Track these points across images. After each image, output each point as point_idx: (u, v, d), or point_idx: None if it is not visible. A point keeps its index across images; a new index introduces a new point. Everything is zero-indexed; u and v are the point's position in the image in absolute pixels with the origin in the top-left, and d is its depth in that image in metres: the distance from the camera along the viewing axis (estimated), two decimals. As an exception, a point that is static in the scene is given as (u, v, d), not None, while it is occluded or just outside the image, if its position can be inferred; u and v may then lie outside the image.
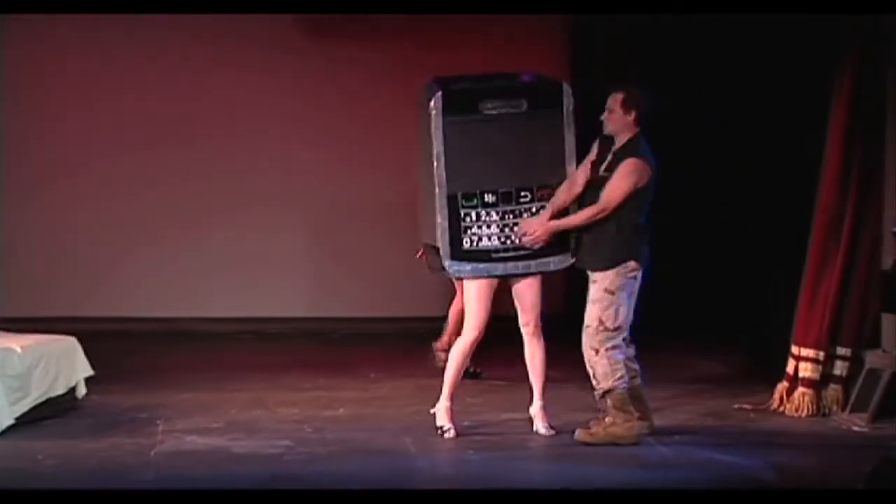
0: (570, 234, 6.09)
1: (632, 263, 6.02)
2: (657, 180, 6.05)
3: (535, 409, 6.18)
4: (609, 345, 6.00)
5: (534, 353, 6.15)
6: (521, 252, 6.07)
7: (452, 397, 6.13)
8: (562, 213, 6.11)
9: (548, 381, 6.19)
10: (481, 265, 6.06)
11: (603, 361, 6.00)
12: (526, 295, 6.12)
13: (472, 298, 6.11)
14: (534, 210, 6.07)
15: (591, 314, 6.02)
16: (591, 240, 6.05)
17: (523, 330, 6.17)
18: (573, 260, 6.12)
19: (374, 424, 6.37)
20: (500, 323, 6.24)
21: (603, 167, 6.09)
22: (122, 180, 9.30)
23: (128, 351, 8.31)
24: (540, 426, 6.15)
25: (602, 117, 6.09)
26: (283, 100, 9.43)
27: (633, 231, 6.02)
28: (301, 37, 9.14)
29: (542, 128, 6.07)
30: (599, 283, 6.01)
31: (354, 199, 9.49)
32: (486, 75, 6.24)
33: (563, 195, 6.11)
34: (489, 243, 6.06)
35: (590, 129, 6.21)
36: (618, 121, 6.04)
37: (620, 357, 6.02)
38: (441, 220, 6.03)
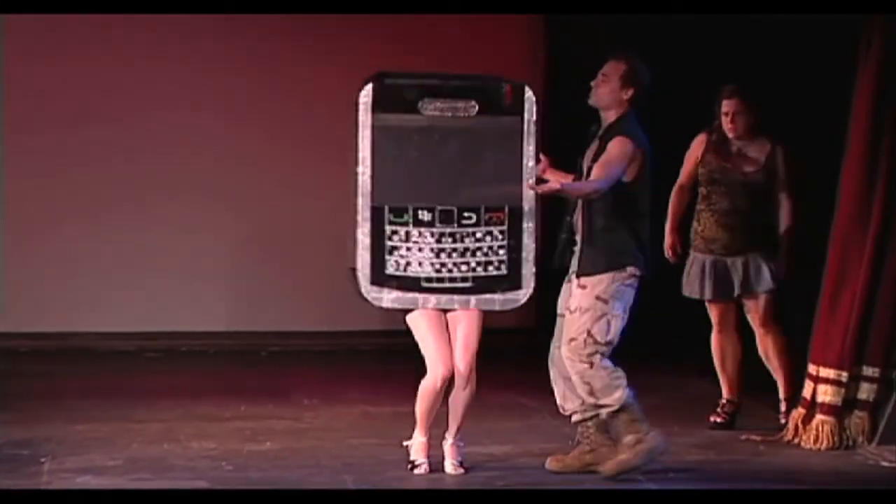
0: (527, 266, 5.94)
1: (630, 269, 5.95)
2: (653, 171, 5.97)
3: (446, 444, 6.07)
4: (599, 358, 5.93)
5: (458, 398, 6.01)
6: (460, 284, 5.93)
7: (428, 431, 6.05)
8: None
9: (466, 419, 6.07)
10: (408, 295, 5.92)
11: (601, 373, 5.92)
12: (462, 330, 5.97)
13: (423, 331, 5.96)
14: (478, 235, 5.94)
15: (578, 325, 5.93)
16: (591, 242, 5.95)
17: (455, 370, 5.99)
18: (524, 299, 5.98)
19: (308, 461, 6.29)
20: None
21: (589, 157, 6.00)
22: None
23: (8, 373, 8.21)
24: (447, 463, 6.03)
25: (592, 83, 6.00)
26: (208, 74, 9.38)
27: (630, 231, 5.96)
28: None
29: (496, 138, 5.95)
30: (590, 290, 5.93)
31: (286, 190, 9.44)
32: (437, 73, 6.12)
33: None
34: (419, 269, 5.91)
35: (564, 138, 6.10)
36: (611, 94, 5.96)
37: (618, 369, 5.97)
38: (362, 237, 5.90)
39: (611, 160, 5.87)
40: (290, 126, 9.44)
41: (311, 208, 9.36)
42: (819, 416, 6.64)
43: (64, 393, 7.73)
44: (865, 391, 6.63)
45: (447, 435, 6.05)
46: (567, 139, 6.24)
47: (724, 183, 6.97)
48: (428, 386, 5.96)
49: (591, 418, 6.04)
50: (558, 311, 6.10)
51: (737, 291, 6.97)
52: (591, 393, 5.93)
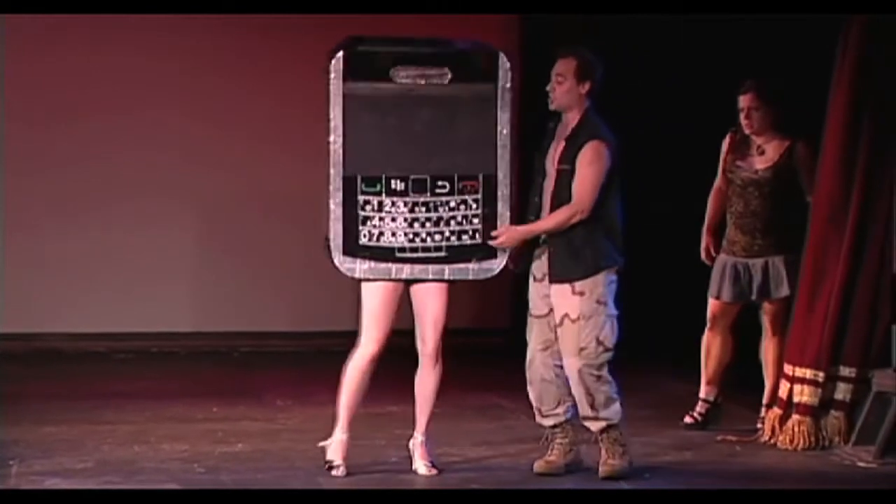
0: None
1: (616, 267, 5.99)
2: (620, 163, 5.98)
3: (415, 443, 6.07)
4: (606, 370, 5.97)
5: (426, 381, 6.01)
6: (434, 254, 5.92)
7: (350, 427, 6.01)
8: None
9: (435, 410, 6.07)
10: (381, 265, 5.90)
11: (604, 387, 5.96)
12: (429, 306, 5.96)
13: (372, 304, 5.93)
14: (452, 205, 5.94)
15: (585, 334, 5.93)
16: (563, 244, 5.94)
17: (421, 350, 6.02)
18: (499, 268, 5.99)
19: (281, 463, 6.31)
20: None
21: (555, 159, 6.00)
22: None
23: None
24: (420, 465, 6.04)
25: (548, 88, 6.00)
26: (173, 70, 9.33)
27: (609, 228, 5.97)
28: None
29: (469, 105, 5.94)
30: (589, 295, 5.93)
31: (258, 188, 9.44)
32: (409, 39, 6.10)
33: None
34: (392, 239, 5.91)
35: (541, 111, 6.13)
36: (569, 93, 5.96)
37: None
38: (334, 206, 5.87)
39: (589, 171, 5.85)
40: (263, 126, 9.37)
41: (281, 209, 9.36)
42: (795, 417, 6.67)
43: (32, 395, 7.70)
44: (842, 391, 6.67)
45: (416, 432, 6.03)
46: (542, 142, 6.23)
47: (737, 183, 6.89)
48: (355, 363, 5.92)
49: (566, 421, 6.07)
50: (532, 311, 6.10)
51: (754, 296, 6.91)
52: (593, 406, 5.95)
